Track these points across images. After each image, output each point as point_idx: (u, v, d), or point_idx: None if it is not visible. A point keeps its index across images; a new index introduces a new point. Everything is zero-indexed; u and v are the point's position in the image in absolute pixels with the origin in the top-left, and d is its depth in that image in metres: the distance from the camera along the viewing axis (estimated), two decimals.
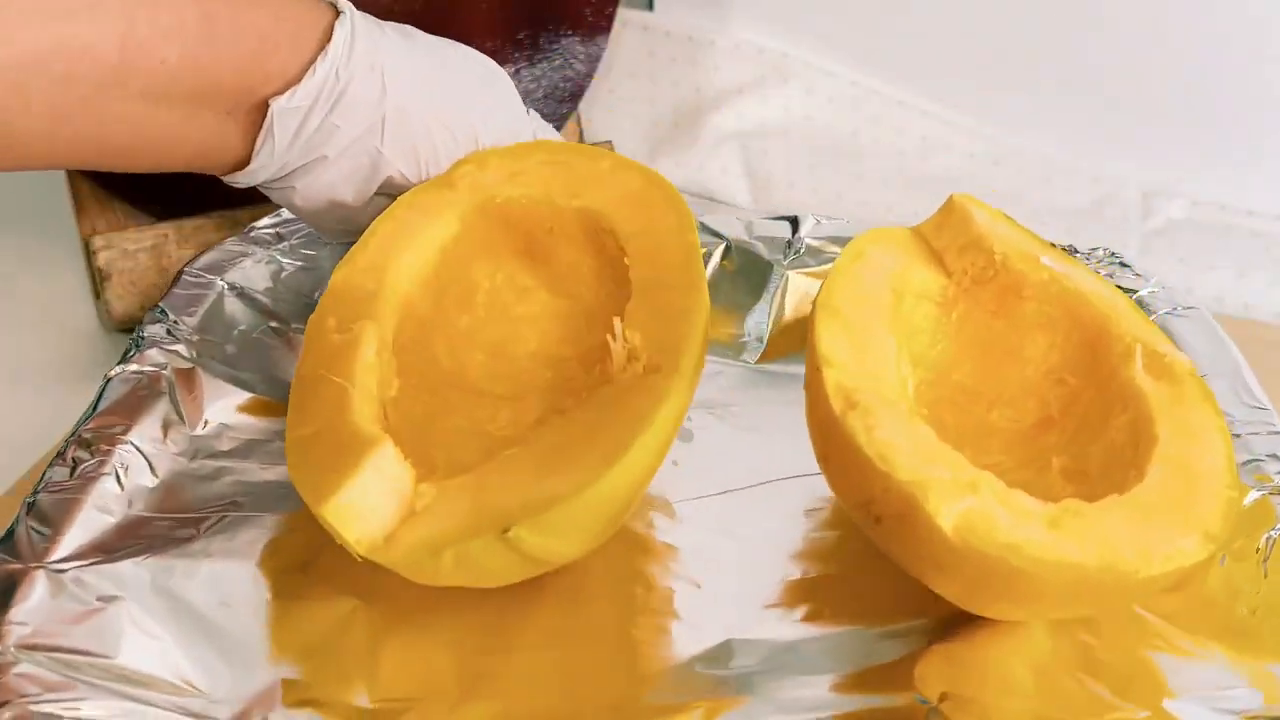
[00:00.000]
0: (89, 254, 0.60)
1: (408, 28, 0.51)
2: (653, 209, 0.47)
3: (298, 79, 0.46)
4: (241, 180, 0.48)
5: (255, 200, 0.63)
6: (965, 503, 0.37)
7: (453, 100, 0.50)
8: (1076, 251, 0.58)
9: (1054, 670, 0.41)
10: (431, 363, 0.47)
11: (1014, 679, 0.40)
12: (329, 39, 0.46)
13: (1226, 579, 0.43)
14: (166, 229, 0.61)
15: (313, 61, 0.46)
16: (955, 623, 0.42)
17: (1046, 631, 0.42)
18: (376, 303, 0.45)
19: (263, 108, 0.46)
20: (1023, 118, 0.73)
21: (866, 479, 0.39)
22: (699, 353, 0.42)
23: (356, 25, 0.47)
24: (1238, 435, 0.46)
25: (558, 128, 0.70)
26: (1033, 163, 0.73)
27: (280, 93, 0.45)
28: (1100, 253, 0.58)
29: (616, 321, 0.43)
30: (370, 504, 0.39)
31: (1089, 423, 0.45)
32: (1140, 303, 0.54)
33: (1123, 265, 0.57)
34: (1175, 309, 0.54)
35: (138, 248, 0.60)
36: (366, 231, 0.48)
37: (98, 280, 0.60)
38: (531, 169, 0.49)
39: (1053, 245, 0.48)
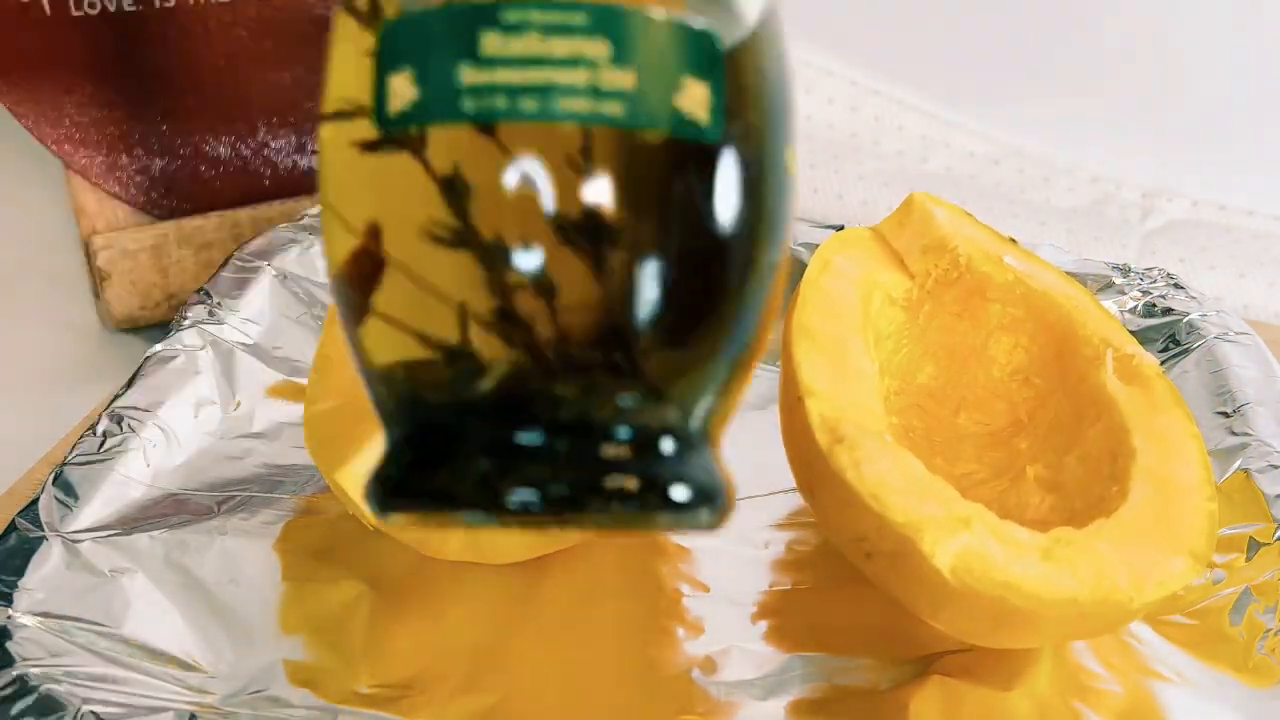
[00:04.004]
0: (89, 254, 0.60)
1: None
2: None
3: None
4: None
5: (255, 201, 0.64)
6: (960, 540, 0.36)
7: None
8: (1131, 271, 0.57)
9: (1054, 704, 0.40)
10: None
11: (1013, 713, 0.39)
12: None
13: (1248, 613, 0.42)
14: (166, 229, 0.61)
15: None
16: (955, 652, 0.41)
17: (1048, 662, 0.41)
18: None
19: None
20: (1023, 118, 0.73)
21: (857, 517, 0.38)
22: None
23: None
24: (1277, 468, 0.45)
25: None
26: (1033, 163, 0.73)
27: None
28: (1156, 273, 0.57)
29: None
30: None
31: (1060, 427, 0.44)
32: (1190, 326, 0.53)
33: (1177, 287, 0.56)
34: (1227, 333, 0.52)
35: (138, 248, 0.60)
36: None
37: (98, 280, 0.60)
38: None
39: (1013, 241, 0.47)
